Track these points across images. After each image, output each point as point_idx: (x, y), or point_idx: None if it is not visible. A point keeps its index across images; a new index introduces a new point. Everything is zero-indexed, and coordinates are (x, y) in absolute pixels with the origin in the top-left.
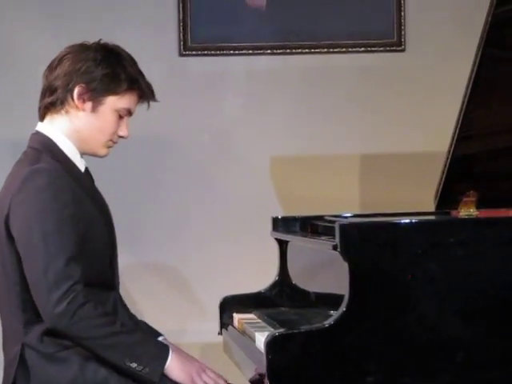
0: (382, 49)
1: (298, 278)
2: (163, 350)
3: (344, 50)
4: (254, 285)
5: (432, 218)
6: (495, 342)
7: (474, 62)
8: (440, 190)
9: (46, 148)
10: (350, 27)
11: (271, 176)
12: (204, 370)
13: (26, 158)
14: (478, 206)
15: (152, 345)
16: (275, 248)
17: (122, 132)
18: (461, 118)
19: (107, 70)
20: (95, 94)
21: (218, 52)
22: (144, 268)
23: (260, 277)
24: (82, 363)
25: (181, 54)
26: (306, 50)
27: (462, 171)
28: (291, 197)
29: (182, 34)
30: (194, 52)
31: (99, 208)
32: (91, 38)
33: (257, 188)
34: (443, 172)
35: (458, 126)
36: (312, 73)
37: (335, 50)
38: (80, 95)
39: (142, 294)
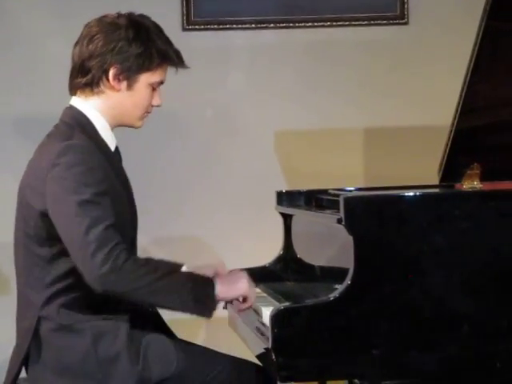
0: (385, 22)
1: (302, 252)
2: (209, 284)
3: (347, 23)
4: (258, 259)
5: (436, 191)
6: (500, 314)
7: (477, 35)
8: (444, 163)
9: (78, 123)
10: (353, 1)
11: (275, 150)
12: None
13: (58, 133)
14: (482, 179)
15: (197, 280)
16: (280, 222)
17: (156, 102)
18: (464, 90)
19: (140, 49)
20: (130, 73)
21: (221, 26)
22: (148, 243)
23: (265, 251)
24: (96, 337)
25: (184, 29)
26: (309, 24)
27: (466, 144)
28: (295, 171)
29: (185, 9)
30: (197, 26)
31: (125, 188)
32: (94, 15)
33: (261, 162)
34: (447, 145)
35: (462, 99)
36: (315, 47)
37: (338, 23)
38: (115, 76)
39: None
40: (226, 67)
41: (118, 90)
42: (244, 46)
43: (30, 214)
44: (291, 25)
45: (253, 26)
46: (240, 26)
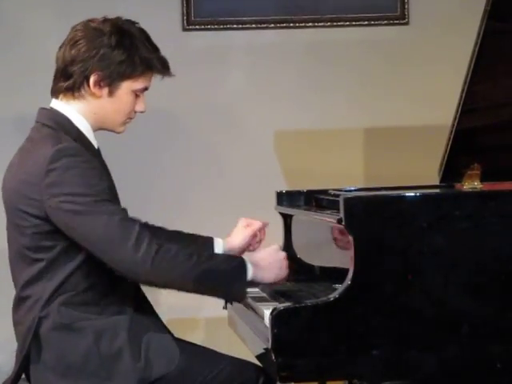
0: (385, 22)
1: (302, 252)
2: (241, 269)
3: (347, 23)
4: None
5: (436, 191)
6: (500, 315)
7: (478, 35)
8: (444, 163)
9: (61, 126)
10: (353, 1)
11: (275, 150)
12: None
13: (42, 137)
14: (482, 179)
15: (231, 266)
16: (280, 222)
17: (139, 107)
18: (465, 90)
19: (122, 56)
20: (111, 80)
21: (222, 26)
22: None
23: None
24: (97, 335)
25: (184, 29)
26: (310, 24)
27: (466, 144)
28: (295, 171)
29: (185, 9)
30: (197, 26)
31: (111, 187)
32: (94, 14)
33: (261, 162)
34: (447, 145)
35: (462, 99)
36: (315, 47)
37: (339, 23)
38: (96, 82)
39: None
40: (226, 67)
41: (99, 97)
42: (244, 46)
43: (24, 221)
44: (291, 25)
45: (253, 26)
46: (240, 26)
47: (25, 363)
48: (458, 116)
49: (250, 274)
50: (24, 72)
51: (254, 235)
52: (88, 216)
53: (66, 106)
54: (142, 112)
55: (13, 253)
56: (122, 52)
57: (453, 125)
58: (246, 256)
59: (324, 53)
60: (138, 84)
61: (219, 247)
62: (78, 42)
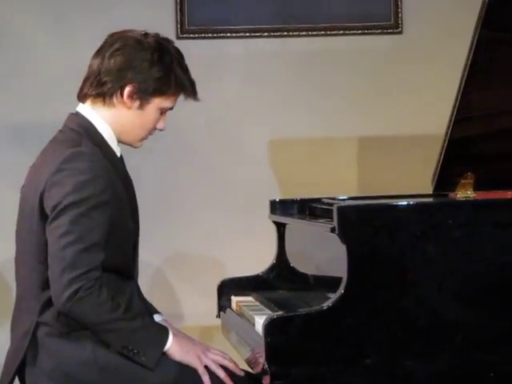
0: (379, 31)
1: (296, 261)
2: (162, 336)
3: (341, 32)
4: (252, 267)
5: (430, 200)
6: (493, 324)
7: (472, 44)
8: (437, 172)
9: (85, 131)
10: (347, 10)
11: (269, 159)
12: (208, 349)
13: (65, 139)
14: (476, 188)
15: (151, 331)
16: (273, 231)
17: (160, 126)
18: (458, 100)
19: (160, 73)
20: (145, 95)
21: (216, 35)
22: (141, 251)
23: (258, 260)
24: (95, 346)
25: (178, 37)
26: (304, 33)
27: (460, 153)
28: (289, 180)
29: (179, 17)
30: (191, 35)
31: (129, 196)
32: (88, 21)
33: (255, 171)
34: (441, 154)
35: (456, 108)
36: (310, 55)
37: (333, 32)
38: (130, 93)
39: (140, 277)
40: (220, 75)
41: (129, 108)
42: (238, 55)
43: (31, 220)
44: (285, 33)
45: (247, 34)
46: (234, 34)
47: (21, 366)
48: (451, 125)
49: (168, 346)
50: (18, 78)
51: None
52: (64, 224)
53: (92, 112)
54: (161, 130)
55: (18, 253)
56: (161, 69)
57: (446, 134)
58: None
59: (318, 61)
60: (167, 102)
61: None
62: (117, 51)
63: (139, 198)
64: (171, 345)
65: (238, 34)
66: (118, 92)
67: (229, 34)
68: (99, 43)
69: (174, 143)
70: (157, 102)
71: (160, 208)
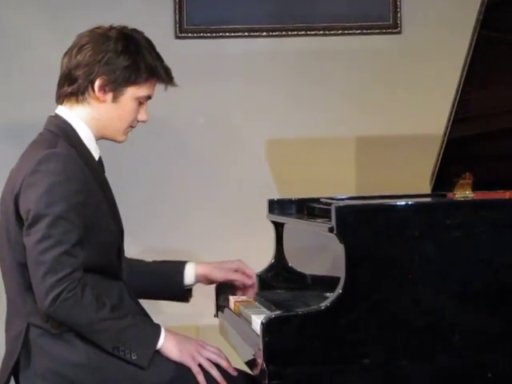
0: (378, 31)
1: (294, 261)
2: (153, 334)
3: (340, 32)
4: (250, 267)
5: (428, 200)
6: (492, 324)
7: (470, 44)
8: (436, 172)
9: (63, 132)
10: (346, 10)
11: (267, 159)
12: (203, 346)
13: (42, 141)
14: (474, 188)
15: (141, 330)
16: (271, 230)
17: (142, 117)
18: (457, 100)
19: (128, 62)
20: (116, 86)
21: (214, 34)
22: (139, 250)
23: (256, 259)
24: (88, 348)
25: (177, 37)
26: (302, 33)
27: (458, 153)
28: (287, 179)
29: (177, 17)
30: (189, 34)
31: (107, 198)
32: (87, 20)
33: (253, 171)
34: (439, 154)
35: (454, 108)
36: (308, 55)
37: (331, 32)
38: (101, 87)
39: None
40: (219, 75)
41: (103, 101)
42: (236, 54)
43: (11, 222)
44: (284, 33)
45: (245, 34)
46: (233, 34)
47: (15, 369)
48: (450, 125)
49: (160, 344)
50: (14, 78)
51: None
52: (41, 228)
53: (69, 112)
54: (143, 121)
55: (1, 255)
56: (128, 58)
57: (445, 134)
58: (163, 327)
59: (317, 61)
60: (141, 91)
61: (190, 272)
62: (83, 47)
63: (137, 196)
64: (164, 343)
65: (236, 34)
66: (89, 87)
67: (227, 34)
68: None
69: (172, 142)
70: (131, 92)
71: (157, 207)
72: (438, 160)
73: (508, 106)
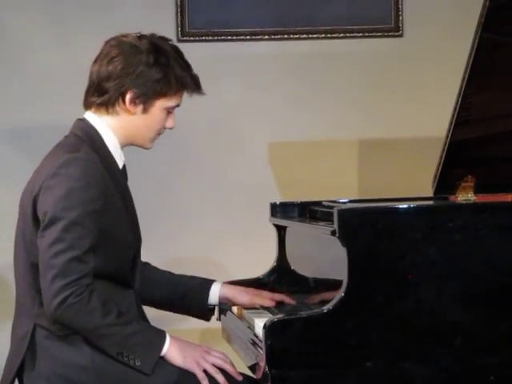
0: (379, 34)
1: (296, 264)
2: (158, 341)
3: (342, 35)
4: (252, 270)
5: (430, 203)
6: (494, 327)
7: (472, 47)
8: (438, 175)
9: (88, 137)
10: (347, 13)
11: (270, 162)
12: (208, 351)
13: (67, 144)
14: (476, 191)
15: (146, 336)
16: (274, 234)
17: (169, 124)
18: (459, 102)
19: (159, 75)
20: (146, 98)
21: (216, 38)
22: (143, 254)
23: (258, 263)
24: (93, 351)
25: (178, 40)
26: (304, 36)
27: (460, 156)
28: (290, 182)
29: (179, 20)
30: (191, 38)
31: (127, 207)
32: (88, 23)
33: (255, 174)
34: (441, 157)
35: (456, 111)
36: (310, 58)
37: (333, 35)
38: (132, 99)
39: None
40: (221, 78)
41: (133, 114)
42: (239, 58)
43: (28, 223)
44: (286, 36)
45: (247, 37)
46: (234, 37)
47: (20, 370)
48: (451, 128)
49: (164, 350)
50: (18, 82)
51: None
52: (55, 231)
53: (97, 119)
54: (171, 128)
55: (15, 255)
56: (159, 71)
57: (447, 136)
58: (168, 334)
59: (318, 64)
60: (171, 102)
61: (215, 292)
62: (114, 58)
63: (138, 200)
64: (168, 349)
65: (238, 37)
66: (120, 100)
67: (229, 37)
68: (99, 46)
69: (174, 145)
70: (160, 104)
71: (159, 210)
72: (440, 163)
73: (510, 108)
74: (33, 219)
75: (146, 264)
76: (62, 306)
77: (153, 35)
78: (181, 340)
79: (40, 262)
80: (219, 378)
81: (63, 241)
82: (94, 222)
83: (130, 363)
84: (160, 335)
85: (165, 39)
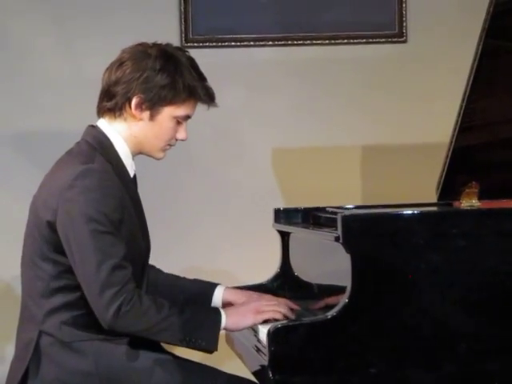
0: (383, 40)
1: (300, 270)
2: (214, 317)
3: (345, 41)
4: (256, 276)
5: (434, 209)
6: (497, 333)
7: (476, 53)
8: (442, 181)
9: (101, 146)
10: (351, 18)
11: (273, 168)
12: (258, 299)
13: (79, 152)
14: (480, 197)
15: (203, 317)
16: (277, 240)
17: (181, 136)
18: (462, 108)
19: (165, 81)
20: (152, 104)
21: (220, 44)
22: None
23: (262, 269)
24: (97, 358)
25: (182, 46)
26: (308, 42)
27: (464, 162)
28: (293, 188)
29: (183, 26)
30: (195, 44)
31: (138, 215)
32: (90, 29)
33: (259, 180)
34: (445, 163)
35: (460, 117)
36: (313, 64)
37: (337, 41)
38: (138, 105)
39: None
40: (224, 85)
41: (140, 120)
42: (242, 64)
43: (38, 228)
44: (289, 42)
45: (251, 43)
46: (238, 43)
47: (24, 376)
48: (455, 134)
49: (223, 324)
50: (19, 88)
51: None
52: (86, 247)
53: (108, 126)
54: (183, 140)
55: (23, 261)
56: (166, 76)
57: (451, 142)
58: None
59: (322, 70)
60: (179, 111)
61: (218, 295)
62: (123, 64)
63: (143, 207)
64: (227, 321)
65: (242, 43)
66: (127, 105)
67: (233, 43)
68: (101, 51)
69: (177, 152)
70: (168, 111)
71: (163, 216)
72: (443, 169)
73: None
74: (47, 226)
75: (151, 267)
76: (117, 316)
77: (168, 44)
78: (232, 307)
79: (80, 276)
80: (278, 316)
81: (99, 251)
82: (119, 230)
83: (196, 346)
84: (214, 312)
85: (180, 49)
